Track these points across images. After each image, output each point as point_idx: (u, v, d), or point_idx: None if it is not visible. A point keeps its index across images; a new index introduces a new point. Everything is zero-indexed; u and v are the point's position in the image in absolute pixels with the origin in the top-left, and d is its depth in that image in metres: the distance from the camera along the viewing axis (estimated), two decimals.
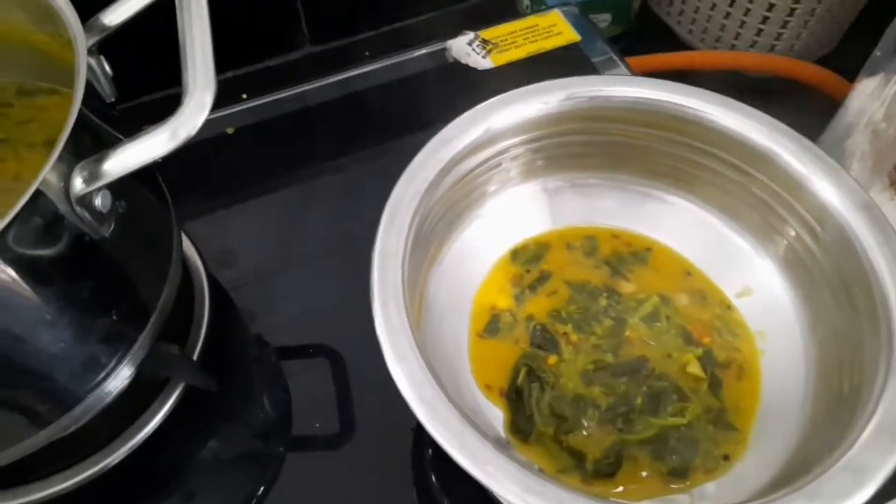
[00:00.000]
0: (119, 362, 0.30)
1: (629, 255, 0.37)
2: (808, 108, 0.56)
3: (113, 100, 0.31)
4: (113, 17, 0.29)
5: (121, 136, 0.31)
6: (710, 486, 0.29)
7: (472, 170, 0.34)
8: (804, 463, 0.26)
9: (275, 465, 0.38)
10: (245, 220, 0.48)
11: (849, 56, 0.56)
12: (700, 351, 0.33)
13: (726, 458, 0.30)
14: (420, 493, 0.36)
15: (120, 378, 0.30)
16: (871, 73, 0.40)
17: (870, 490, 0.23)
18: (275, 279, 0.45)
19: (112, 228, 0.28)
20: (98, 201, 0.26)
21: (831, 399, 0.29)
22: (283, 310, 0.43)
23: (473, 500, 0.35)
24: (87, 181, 0.24)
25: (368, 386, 0.39)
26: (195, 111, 0.24)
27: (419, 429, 0.37)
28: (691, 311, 0.35)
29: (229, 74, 0.57)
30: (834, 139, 0.43)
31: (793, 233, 0.32)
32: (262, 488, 0.37)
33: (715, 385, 0.32)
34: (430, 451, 0.37)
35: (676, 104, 0.33)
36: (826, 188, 0.30)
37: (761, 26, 0.58)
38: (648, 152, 0.35)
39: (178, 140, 0.24)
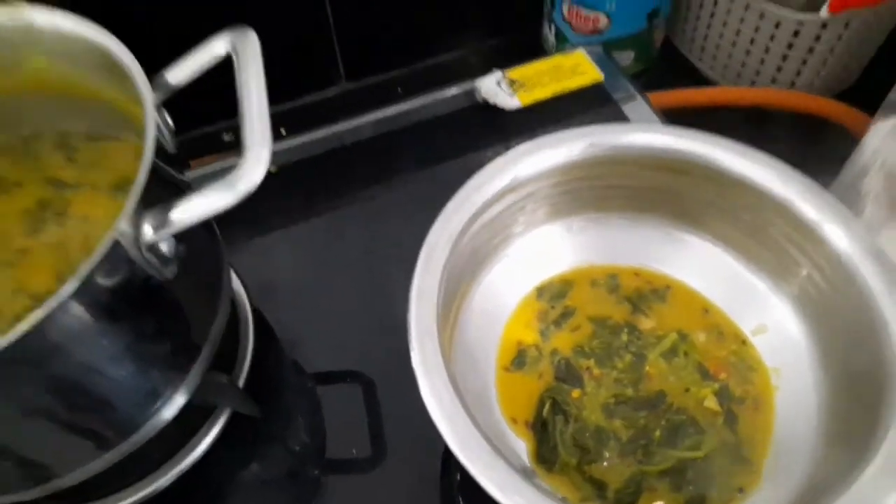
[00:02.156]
0: (174, 391, 0.32)
1: (650, 292, 0.38)
2: (827, 144, 0.57)
3: (174, 152, 0.34)
4: (177, 77, 0.32)
5: (181, 179, 0.34)
6: None
7: (500, 213, 0.36)
8: (815, 497, 0.27)
9: (310, 487, 0.40)
10: (284, 253, 0.50)
11: (869, 91, 0.58)
12: (717, 386, 0.35)
13: (741, 490, 0.32)
14: None
15: (174, 406, 0.32)
16: (888, 114, 0.42)
17: None
18: (312, 309, 0.47)
19: (175, 270, 0.30)
20: (164, 247, 0.28)
21: (842, 436, 0.30)
22: (320, 338, 0.45)
23: None
24: (156, 229, 0.27)
25: (399, 412, 0.41)
26: (254, 166, 0.27)
27: (447, 454, 0.39)
28: (708, 348, 0.36)
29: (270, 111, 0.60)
30: (851, 178, 0.44)
31: (806, 273, 0.34)
32: None
33: (730, 419, 0.34)
34: (458, 476, 0.38)
35: (695, 153, 0.35)
36: (836, 233, 0.32)
37: (781, 63, 0.59)
38: (669, 195, 0.37)
39: (239, 194, 0.26)
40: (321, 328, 0.46)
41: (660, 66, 0.67)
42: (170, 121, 0.33)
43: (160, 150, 0.34)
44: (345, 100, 0.64)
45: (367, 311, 0.46)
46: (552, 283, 0.39)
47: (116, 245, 0.26)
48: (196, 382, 0.33)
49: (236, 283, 0.43)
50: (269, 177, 0.52)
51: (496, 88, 0.56)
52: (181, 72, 0.32)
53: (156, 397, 0.32)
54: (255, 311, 0.43)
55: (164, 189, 0.31)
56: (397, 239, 0.50)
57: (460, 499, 0.38)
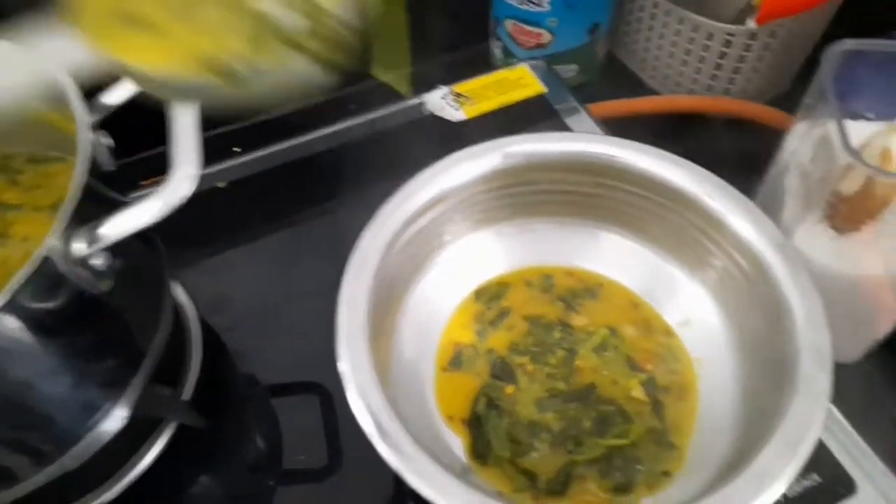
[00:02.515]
0: (114, 404, 0.32)
1: (582, 290, 0.40)
2: (760, 145, 0.60)
3: (112, 169, 0.35)
4: (113, 98, 0.33)
5: (119, 198, 0.35)
6: (649, 501, 0.32)
7: (432, 221, 0.37)
8: (727, 476, 0.29)
9: (265, 498, 0.40)
10: (237, 267, 0.51)
11: (800, 96, 0.60)
12: (644, 377, 0.36)
13: (666, 473, 0.33)
14: None
15: (115, 419, 0.32)
16: (803, 118, 0.44)
17: (773, 494, 0.26)
18: (265, 321, 0.47)
19: (109, 284, 0.31)
20: (97, 262, 0.29)
21: (756, 419, 0.31)
22: (275, 351, 0.46)
23: None
24: (87, 244, 0.28)
25: (355, 421, 0.42)
26: (181, 181, 0.28)
27: None
28: (637, 340, 0.38)
29: (221, 130, 0.61)
30: (775, 176, 0.46)
31: (721, 265, 0.36)
32: None
33: (657, 408, 0.35)
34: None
35: (608, 155, 0.36)
36: (744, 226, 0.34)
37: (715, 72, 0.62)
38: (591, 197, 0.39)
39: (168, 207, 0.27)
40: (277, 341, 0.46)
41: (605, 78, 0.70)
42: (109, 140, 0.34)
43: (98, 169, 0.35)
44: (297, 117, 0.65)
45: (323, 323, 0.46)
46: (490, 285, 0.40)
47: (47, 261, 0.27)
48: (137, 395, 0.34)
49: (183, 297, 0.44)
50: (220, 193, 0.55)
51: (442, 103, 0.58)
52: (118, 93, 0.34)
53: (95, 410, 0.32)
54: (203, 324, 0.44)
55: (100, 207, 0.32)
56: (350, 246, 0.51)
57: None
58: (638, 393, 0.35)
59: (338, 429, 0.42)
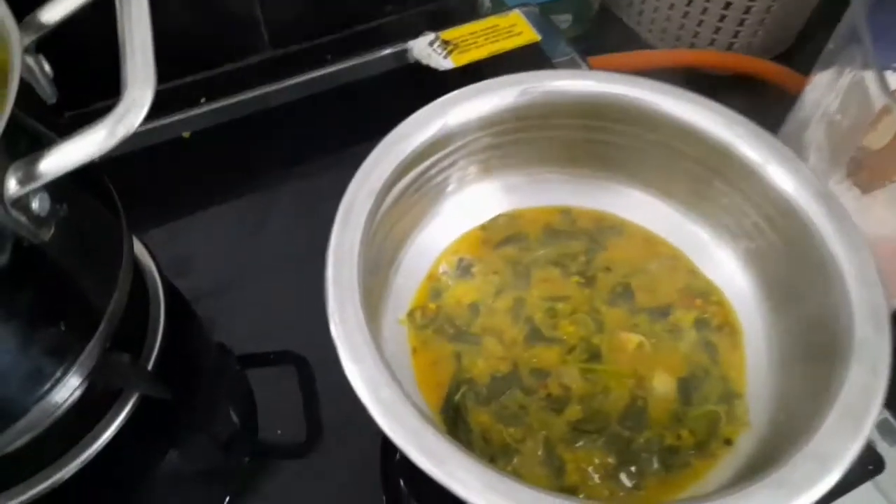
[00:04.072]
0: (66, 373, 0.29)
1: (607, 227, 0.37)
2: (766, 104, 0.57)
3: (54, 101, 0.30)
4: (50, 15, 0.28)
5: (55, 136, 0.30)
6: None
7: (429, 168, 0.33)
8: (779, 446, 0.26)
9: (240, 475, 0.37)
10: (204, 226, 0.47)
11: (804, 53, 0.57)
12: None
13: (728, 441, 0.30)
14: (389, 500, 0.36)
15: (67, 388, 0.29)
16: (825, 67, 0.41)
17: (834, 477, 0.23)
18: (237, 286, 0.44)
19: (52, 233, 0.26)
20: (35, 204, 0.25)
21: (797, 389, 0.29)
22: (247, 317, 0.42)
23: (440, 501, 0.34)
24: (21, 182, 0.23)
25: (336, 392, 0.37)
26: (134, 108, 0.23)
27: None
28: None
29: (188, 79, 0.56)
30: (792, 132, 0.43)
31: (753, 223, 0.33)
32: (227, 499, 0.36)
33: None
34: (398, 456, 0.36)
35: (632, 97, 0.33)
36: (783, 177, 0.30)
37: (719, 24, 0.59)
38: (608, 146, 0.35)
39: (116, 138, 0.23)
40: (249, 308, 0.43)
41: (598, 30, 0.66)
42: (47, 66, 0.29)
43: (34, 99, 0.30)
44: (269, 68, 0.60)
45: (299, 287, 0.42)
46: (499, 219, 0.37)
47: None
48: (93, 363, 0.30)
49: (145, 257, 0.40)
50: (183, 143, 0.50)
51: (429, 50, 0.53)
52: (54, 10, 0.28)
53: (44, 379, 0.28)
54: (167, 287, 0.40)
55: (37, 142, 0.27)
56: (329, 208, 0.47)
57: (401, 480, 0.36)
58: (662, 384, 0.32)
59: (317, 401, 0.39)
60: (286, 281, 0.43)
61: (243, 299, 0.43)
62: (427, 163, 0.33)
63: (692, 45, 0.61)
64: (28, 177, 0.23)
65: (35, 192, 0.24)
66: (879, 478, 0.33)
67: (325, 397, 0.39)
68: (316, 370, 0.40)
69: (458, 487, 0.23)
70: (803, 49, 0.62)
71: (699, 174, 0.34)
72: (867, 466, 0.33)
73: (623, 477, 0.30)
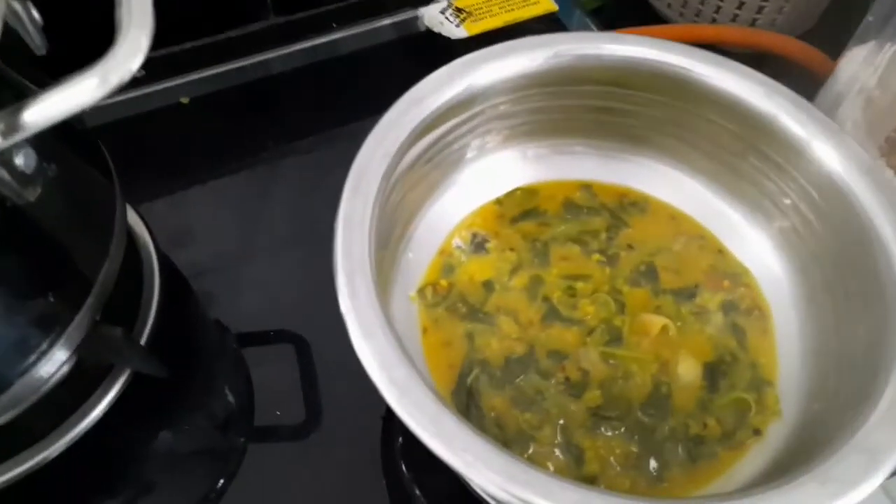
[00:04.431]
0: (52, 344, 0.27)
1: (629, 203, 0.35)
2: (789, 84, 0.55)
3: (43, 52, 0.28)
4: None
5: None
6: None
7: (448, 133, 0.31)
8: (804, 445, 0.24)
9: (236, 457, 0.36)
10: (203, 198, 0.45)
11: (828, 32, 0.55)
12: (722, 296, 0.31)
13: (757, 431, 0.28)
14: (390, 484, 0.34)
15: (54, 362, 0.27)
16: (863, 41, 0.39)
17: (884, 472, 0.21)
18: (235, 262, 0.42)
19: (39, 193, 0.24)
20: (20, 160, 0.23)
21: (834, 377, 0.27)
22: (245, 294, 0.41)
23: (447, 491, 0.34)
24: (3, 134, 0.21)
25: (336, 373, 0.37)
26: (129, 53, 0.21)
27: (389, 416, 0.35)
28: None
29: (187, 45, 0.54)
30: (823, 109, 0.41)
31: (790, 203, 0.31)
32: (222, 481, 0.35)
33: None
34: (400, 439, 0.35)
35: (668, 63, 0.31)
36: (828, 153, 0.28)
37: (742, 0, 0.56)
38: (636, 117, 0.33)
39: (108, 86, 0.21)
40: (247, 283, 0.41)
41: (616, 3, 0.64)
42: (35, 13, 0.27)
43: (21, 48, 0.28)
44: (272, 34, 0.58)
45: (299, 265, 0.42)
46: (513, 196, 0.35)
47: None
48: (81, 335, 0.28)
49: (140, 227, 0.38)
50: (181, 109, 0.47)
51: (441, 17, 0.51)
52: None
53: (29, 351, 0.27)
54: (163, 259, 0.38)
55: (22, 97, 0.25)
56: (333, 181, 0.45)
57: (403, 465, 0.35)
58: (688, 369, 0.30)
59: (317, 382, 0.38)
60: (288, 257, 0.42)
61: (242, 275, 0.42)
62: (445, 126, 0.31)
63: (713, 21, 0.59)
64: (10, 128, 0.21)
65: (19, 146, 0.22)
66: None
67: (325, 378, 0.38)
68: (315, 351, 0.39)
69: (477, 477, 0.21)
70: (827, 28, 0.60)
71: (734, 148, 0.32)
72: None
73: (645, 467, 0.28)
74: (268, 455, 0.36)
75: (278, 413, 0.37)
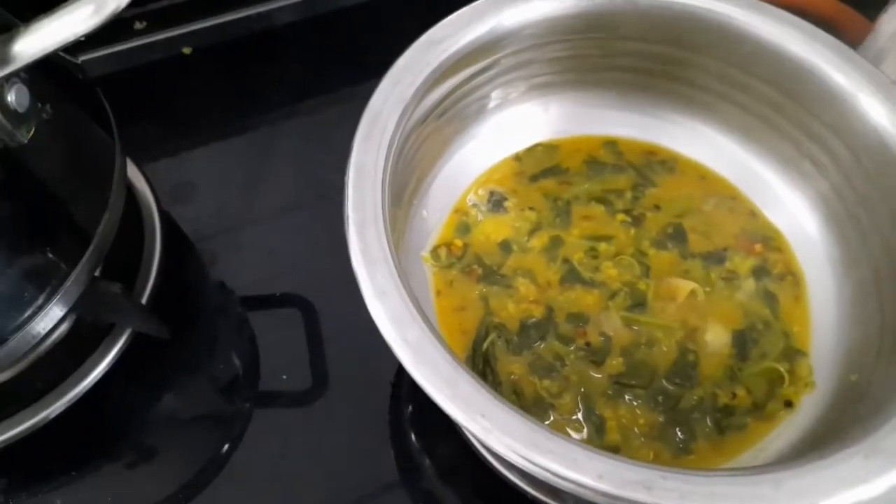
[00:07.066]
0: (48, 300, 0.26)
1: (656, 162, 0.33)
2: None
3: None
4: None
5: None
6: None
7: (467, 81, 0.29)
8: (839, 418, 0.23)
9: (240, 422, 0.35)
10: (207, 154, 0.44)
11: None
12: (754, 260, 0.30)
13: (789, 403, 0.27)
14: (398, 452, 0.34)
15: (50, 318, 0.26)
16: None
17: None
18: (240, 221, 0.41)
19: (32, 135, 0.23)
20: (11, 97, 0.22)
21: (874, 347, 0.25)
22: (249, 255, 0.40)
23: (456, 458, 0.33)
24: None
25: (343, 337, 0.37)
26: None
27: (398, 382, 0.34)
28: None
29: None
30: None
31: (829, 160, 0.29)
32: (226, 446, 0.34)
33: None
34: (410, 407, 0.34)
35: (707, 8, 0.28)
36: (876, 108, 0.26)
37: None
38: (665, 70, 0.32)
39: (103, 15, 0.19)
40: (252, 244, 0.40)
41: None
42: None
43: None
44: None
45: (306, 226, 0.41)
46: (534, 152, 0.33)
47: None
48: (79, 290, 0.27)
49: (140, 181, 0.37)
50: (183, 60, 0.45)
51: None
52: None
53: (24, 307, 0.26)
54: (164, 216, 0.37)
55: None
56: (342, 137, 0.43)
57: (412, 432, 0.34)
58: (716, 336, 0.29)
59: (323, 346, 0.37)
60: (293, 219, 0.41)
61: (247, 235, 0.40)
62: (465, 73, 0.29)
63: None
64: (2, 59, 0.20)
65: (10, 79, 0.21)
66: None
67: (332, 343, 0.37)
68: (322, 316, 0.38)
69: (496, 444, 0.20)
70: None
71: (771, 101, 0.30)
72: None
73: (671, 438, 0.27)
74: (273, 421, 0.35)
75: (284, 377, 0.36)
